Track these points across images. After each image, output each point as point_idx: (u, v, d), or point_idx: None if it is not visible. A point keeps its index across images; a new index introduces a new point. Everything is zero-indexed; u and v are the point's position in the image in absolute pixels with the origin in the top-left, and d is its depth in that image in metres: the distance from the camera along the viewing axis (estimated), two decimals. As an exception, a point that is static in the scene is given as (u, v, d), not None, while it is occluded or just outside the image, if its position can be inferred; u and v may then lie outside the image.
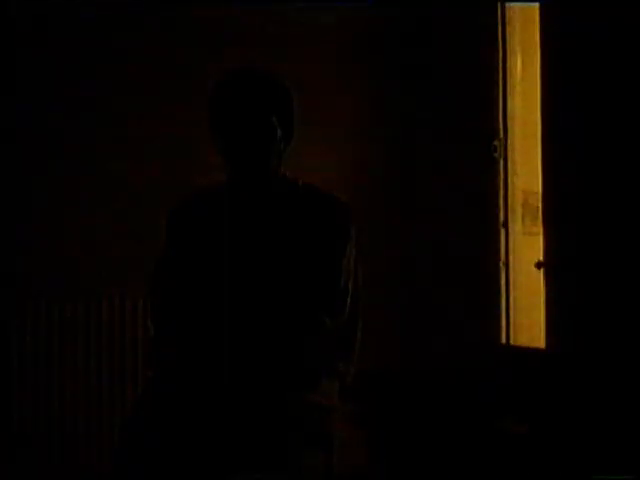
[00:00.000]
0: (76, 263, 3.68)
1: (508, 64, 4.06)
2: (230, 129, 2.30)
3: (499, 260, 4.04)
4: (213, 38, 3.91)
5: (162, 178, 3.80)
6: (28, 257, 3.62)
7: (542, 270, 3.65)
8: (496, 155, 4.03)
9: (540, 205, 3.77)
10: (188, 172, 3.64)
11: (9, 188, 3.64)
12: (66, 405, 3.64)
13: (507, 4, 4.08)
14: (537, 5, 3.76)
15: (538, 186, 3.78)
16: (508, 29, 4.06)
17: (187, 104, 3.71)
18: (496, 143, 4.03)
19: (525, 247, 4.02)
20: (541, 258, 3.66)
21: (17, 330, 3.55)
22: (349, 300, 2.35)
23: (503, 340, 3.99)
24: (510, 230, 4.04)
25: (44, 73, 3.67)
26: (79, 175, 3.71)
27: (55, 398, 3.62)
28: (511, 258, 4.03)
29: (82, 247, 3.70)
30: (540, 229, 3.74)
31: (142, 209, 3.72)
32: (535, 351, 3.71)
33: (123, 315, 3.74)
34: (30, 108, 3.62)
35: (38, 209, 3.66)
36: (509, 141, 4.04)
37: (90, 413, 3.67)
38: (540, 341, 3.70)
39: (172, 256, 2.36)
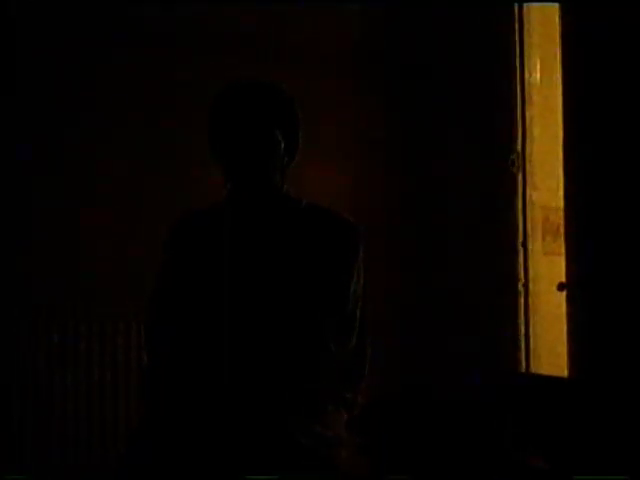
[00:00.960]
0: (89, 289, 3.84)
1: (526, 69, 3.98)
2: (231, 143, 2.30)
3: (518, 282, 3.98)
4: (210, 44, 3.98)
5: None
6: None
7: (564, 293, 3.61)
8: (514, 169, 3.99)
9: (562, 222, 3.70)
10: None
11: (10, 198, 3.79)
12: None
13: (525, 5, 4.02)
14: (557, 5, 3.68)
15: (559, 202, 3.72)
16: (526, 33, 4.00)
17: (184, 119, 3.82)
18: (514, 156, 3.99)
19: (546, 268, 3.98)
20: (563, 279, 3.62)
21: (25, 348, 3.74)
22: (357, 326, 2.35)
23: (522, 368, 3.93)
24: (529, 250, 4.00)
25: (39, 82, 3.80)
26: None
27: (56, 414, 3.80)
28: (531, 280, 3.99)
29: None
30: (562, 248, 3.69)
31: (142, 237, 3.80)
32: (557, 380, 3.64)
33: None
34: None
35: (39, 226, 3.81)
36: (527, 153, 3.98)
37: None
38: (563, 369, 3.62)
39: (169, 279, 2.37)
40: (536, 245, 4.02)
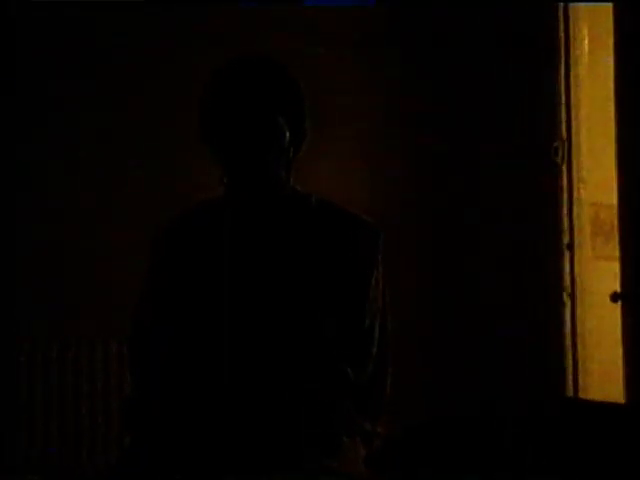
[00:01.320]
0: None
1: (572, 49, 3.76)
2: (226, 131, 2.08)
3: (563, 291, 3.78)
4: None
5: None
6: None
7: (619, 303, 3.46)
8: (557, 159, 3.79)
9: (615, 221, 3.51)
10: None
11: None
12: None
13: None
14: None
15: (612, 198, 3.51)
16: (571, 9, 3.77)
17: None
18: (557, 144, 3.79)
19: (596, 274, 3.79)
20: (617, 288, 3.47)
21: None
22: (376, 345, 2.19)
23: (569, 392, 3.72)
24: (576, 253, 3.82)
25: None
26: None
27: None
28: (578, 288, 3.80)
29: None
30: (615, 251, 3.53)
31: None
32: (612, 407, 3.28)
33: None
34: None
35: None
36: (574, 142, 3.78)
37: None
38: (618, 394, 3.42)
39: (164, 279, 2.19)
40: (584, 248, 3.82)
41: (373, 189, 4.12)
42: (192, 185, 3.12)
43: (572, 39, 3.77)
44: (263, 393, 2.07)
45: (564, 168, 3.79)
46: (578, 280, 3.79)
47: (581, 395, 3.72)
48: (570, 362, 3.75)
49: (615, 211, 3.51)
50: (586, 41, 3.81)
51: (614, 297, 3.45)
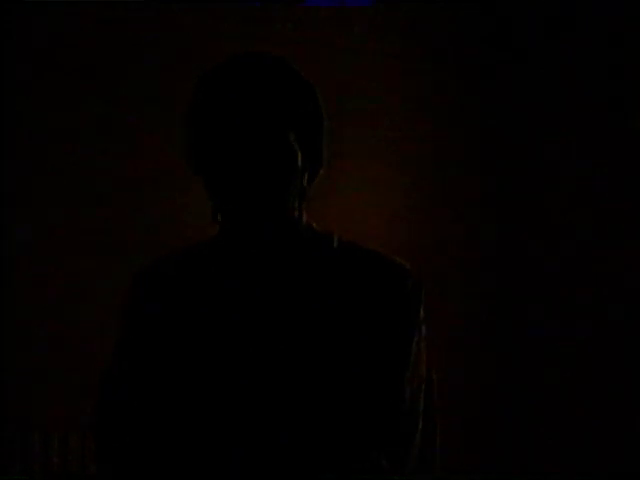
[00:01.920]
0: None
1: None
2: (221, 155, 1.66)
3: None
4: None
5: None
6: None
7: None
8: None
9: None
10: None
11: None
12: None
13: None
14: None
15: None
16: None
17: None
18: None
19: None
20: None
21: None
22: (419, 426, 1.75)
23: None
24: None
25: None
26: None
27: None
28: None
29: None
30: None
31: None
32: None
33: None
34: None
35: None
36: None
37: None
38: None
39: (138, 364, 1.75)
40: None
41: (413, 226, 3.52)
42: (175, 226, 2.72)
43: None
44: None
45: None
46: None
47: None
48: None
49: None
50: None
51: None
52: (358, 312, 1.69)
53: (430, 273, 1.85)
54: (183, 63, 3.48)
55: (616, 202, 3.43)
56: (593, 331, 3.48)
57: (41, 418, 3.38)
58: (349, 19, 3.58)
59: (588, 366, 3.48)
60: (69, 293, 3.38)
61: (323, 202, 1.77)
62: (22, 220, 3.36)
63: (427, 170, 3.52)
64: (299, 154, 1.65)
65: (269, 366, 1.67)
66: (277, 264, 1.70)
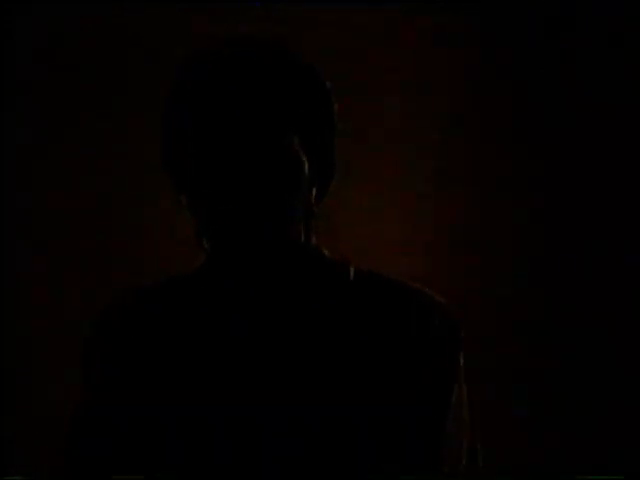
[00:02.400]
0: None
1: None
2: (210, 162, 1.31)
3: None
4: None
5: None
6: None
7: None
8: None
9: None
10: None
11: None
12: None
13: None
14: None
15: None
16: None
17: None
18: None
19: None
20: None
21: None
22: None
23: None
24: None
25: None
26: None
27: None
28: None
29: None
30: None
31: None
32: None
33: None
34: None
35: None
36: None
37: None
38: None
39: (112, 419, 1.38)
40: None
41: (450, 253, 2.96)
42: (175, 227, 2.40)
43: None
44: None
45: None
46: None
47: None
48: None
49: None
50: None
51: None
52: (382, 364, 1.34)
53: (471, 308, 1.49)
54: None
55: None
56: None
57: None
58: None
59: None
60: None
61: (335, 220, 1.40)
62: (23, 220, 3.16)
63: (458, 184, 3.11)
64: (305, 163, 1.31)
65: (281, 426, 1.33)
66: (281, 303, 1.35)
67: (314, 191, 1.34)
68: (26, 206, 3.08)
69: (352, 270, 1.37)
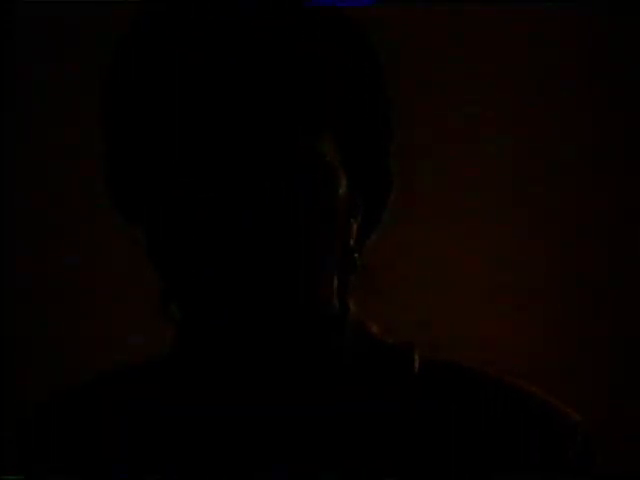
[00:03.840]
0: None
1: None
2: (188, 174, 0.79)
3: None
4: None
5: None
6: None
7: None
8: None
9: None
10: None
11: None
12: None
13: None
14: None
15: None
16: None
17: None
18: None
19: None
20: None
21: None
22: None
23: None
24: None
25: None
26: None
27: None
28: None
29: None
30: None
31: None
32: None
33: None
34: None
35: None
36: None
37: None
38: None
39: None
40: None
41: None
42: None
43: None
44: None
45: None
46: None
47: None
48: None
49: None
50: None
51: None
52: None
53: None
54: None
55: None
56: None
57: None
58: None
59: None
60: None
61: (389, 275, 0.88)
62: (22, 220, 2.91)
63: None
64: (343, 179, 0.81)
65: None
66: (302, 416, 0.83)
67: (355, 226, 0.83)
68: (26, 207, 2.80)
69: (417, 357, 0.85)
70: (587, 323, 1.99)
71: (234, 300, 0.77)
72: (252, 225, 0.76)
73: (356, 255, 0.83)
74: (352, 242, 0.83)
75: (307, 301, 0.79)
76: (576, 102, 2.29)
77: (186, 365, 0.84)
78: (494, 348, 1.36)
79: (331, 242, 0.80)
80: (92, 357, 1.91)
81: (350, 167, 0.81)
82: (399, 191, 0.84)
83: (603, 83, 2.36)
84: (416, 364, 0.85)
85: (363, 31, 0.84)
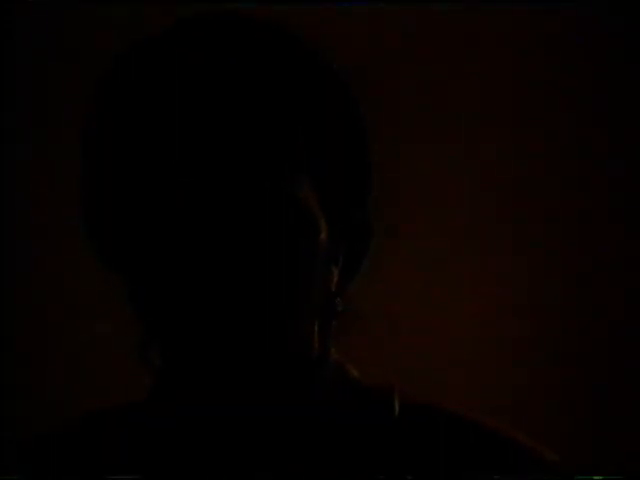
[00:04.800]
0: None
1: None
2: (166, 222, 0.80)
3: None
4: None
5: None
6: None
7: None
8: None
9: None
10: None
11: None
12: None
13: None
14: None
15: None
16: None
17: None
18: None
19: None
20: None
21: None
22: None
23: None
24: None
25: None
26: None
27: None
28: None
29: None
30: None
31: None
32: None
33: None
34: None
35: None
36: None
37: None
38: None
39: None
40: None
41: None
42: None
43: None
44: None
45: None
46: None
47: None
48: None
49: None
50: None
51: None
52: None
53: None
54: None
55: None
56: None
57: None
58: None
59: None
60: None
61: (371, 320, 0.87)
62: (22, 221, 2.89)
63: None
64: (322, 224, 0.82)
65: None
66: (281, 460, 0.84)
67: (335, 272, 0.85)
68: (25, 207, 2.78)
69: (397, 401, 0.87)
70: (575, 370, 1.95)
71: (213, 339, 0.79)
72: (234, 270, 0.78)
73: (337, 300, 0.85)
74: (333, 287, 0.84)
75: (288, 343, 0.81)
76: (576, 102, 2.29)
77: (171, 400, 0.86)
78: (479, 389, 1.35)
79: (311, 287, 0.81)
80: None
81: (329, 214, 0.83)
82: (380, 237, 0.86)
83: (603, 83, 2.36)
84: (396, 406, 0.86)
85: (342, 73, 0.85)
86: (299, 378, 0.83)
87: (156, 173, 0.79)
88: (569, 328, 1.88)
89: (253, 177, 0.78)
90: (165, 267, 0.79)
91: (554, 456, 0.86)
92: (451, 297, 1.63)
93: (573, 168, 2.15)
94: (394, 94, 1.90)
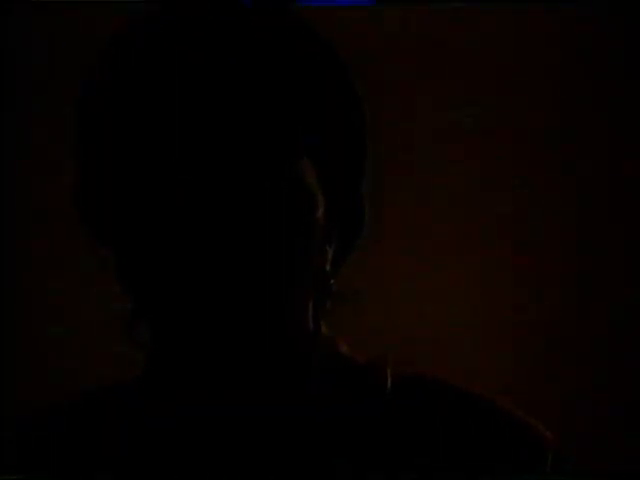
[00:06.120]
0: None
1: None
2: (158, 207, 0.82)
3: None
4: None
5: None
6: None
7: None
8: None
9: None
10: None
11: None
12: None
13: None
14: None
15: None
16: None
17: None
18: None
19: None
20: None
21: None
22: None
23: None
24: None
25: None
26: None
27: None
28: None
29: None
30: None
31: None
32: None
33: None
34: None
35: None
36: None
37: None
38: None
39: None
40: None
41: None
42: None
43: None
44: None
45: None
46: None
47: None
48: None
49: None
50: None
51: None
52: None
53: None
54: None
55: None
56: None
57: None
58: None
59: None
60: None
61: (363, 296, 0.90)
62: (22, 221, 2.89)
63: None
64: (320, 203, 0.84)
65: None
66: (275, 440, 0.86)
67: (330, 250, 0.87)
68: (25, 207, 2.78)
69: (389, 375, 0.89)
70: (566, 347, 1.97)
71: (207, 316, 0.80)
72: (228, 243, 0.79)
73: (331, 279, 0.87)
74: (327, 265, 0.85)
75: (284, 320, 0.82)
76: (576, 102, 2.31)
77: (162, 381, 0.87)
78: (470, 364, 1.38)
79: (307, 264, 0.82)
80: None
81: (326, 192, 0.84)
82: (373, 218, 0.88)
83: (603, 83, 2.38)
84: (388, 380, 0.88)
85: (336, 54, 0.87)
86: (296, 360, 0.85)
87: (152, 149, 0.80)
88: (569, 319, 1.92)
89: (251, 156, 0.79)
90: (159, 240, 0.80)
91: (549, 434, 0.88)
92: (449, 286, 1.66)
93: (573, 168, 2.18)
94: (394, 94, 1.94)
